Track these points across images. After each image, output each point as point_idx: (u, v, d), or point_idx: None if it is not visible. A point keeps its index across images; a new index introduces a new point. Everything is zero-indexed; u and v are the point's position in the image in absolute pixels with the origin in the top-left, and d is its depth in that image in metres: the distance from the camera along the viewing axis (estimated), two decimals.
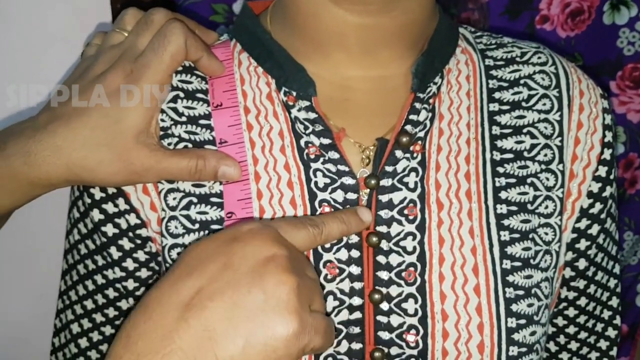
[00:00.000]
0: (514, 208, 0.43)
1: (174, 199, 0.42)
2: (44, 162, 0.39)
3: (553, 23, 0.72)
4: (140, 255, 0.44)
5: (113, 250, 0.44)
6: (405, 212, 0.42)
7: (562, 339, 0.52)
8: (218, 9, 0.67)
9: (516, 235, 0.43)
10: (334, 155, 0.41)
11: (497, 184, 0.43)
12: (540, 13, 0.72)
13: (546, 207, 0.44)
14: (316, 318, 0.35)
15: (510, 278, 0.42)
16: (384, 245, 0.41)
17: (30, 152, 0.39)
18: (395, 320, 0.41)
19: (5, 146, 0.40)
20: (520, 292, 0.42)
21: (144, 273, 0.44)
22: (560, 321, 0.51)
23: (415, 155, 0.42)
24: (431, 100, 0.44)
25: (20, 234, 0.63)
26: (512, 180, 0.43)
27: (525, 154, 0.44)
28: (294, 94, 0.42)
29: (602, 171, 0.46)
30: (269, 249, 0.34)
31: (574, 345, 0.52)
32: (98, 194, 0.43)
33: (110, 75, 0.40)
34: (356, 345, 0.41)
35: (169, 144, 0.42)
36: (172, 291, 0.34)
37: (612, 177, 0.47)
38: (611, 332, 0.52)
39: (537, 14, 0.72)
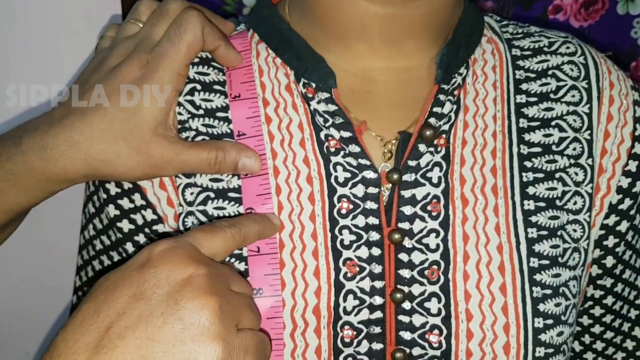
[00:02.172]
0: (542, 204, 0.42)
1: (192, 194, 0.41)
2: (60, 157, 0.38)
3: (566, 13, 0.71)
4: None
5: (129, 246, 0.43)
6: (429, 208, 0.40)
7: (587, 339, 0.50)
8: (228, 0, 0.66)
9: (544, 233, 0.41)
10: (354, 148, 0.40)
11: (525, 179, 0.42)
12: (553, 3, 0.71)
13: (575, 203, 0.42)
14: (244, 337, 0.32)
15: (537, 277, 0.40)
16: (407, 242, 0.40)
17: (46, 146, 0.38)
18: (417, 320, 0.40)
19: (21, 141, 0.39)
20: (548, 291, 0.40)
21: None
22: (585, 320, 0.50)
23: (439, 149, 0.41)
24: (456, 92, 0.42)
25: (33, 230, 0.63)
26: (540, 175, 0.42)
27: (554, 147, 0.43)
28: (314, 85, 0.41)
29: (633, 166, 0.45)
30: (183, 271, 0.32)
31: (599, 345, 0.51)
32: (114, 189, 0.42)
33: (126, 67, 0.39)
34: (377, 346, 0.40)
35: (187, 137, 0.41)
36: (80, 332, 0.31)
37: None
38: (638, 332, 0.51)
39: (550, 4, 0.71)
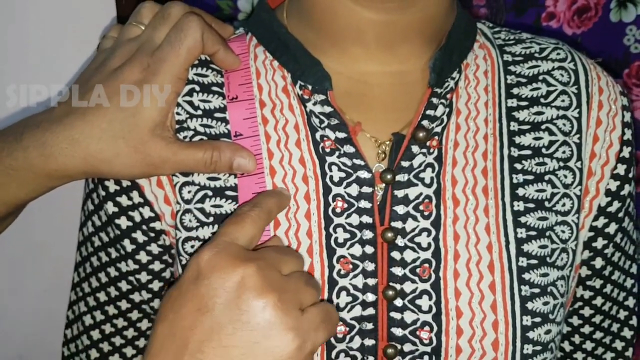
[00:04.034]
0: (531, 205, 0.43)
1: (189, 192, 0.42)
2: (60, 154, 0.39)
3: (560, 20, 0.72)
4: (154, 248, 0.44)
5: (127, 242, 0.44)
6: (421, 208, 0.41)
7: (577, 339, 0.51)
8: (223, 5, 0.67)
9: (533, 233, 0.42)
10: (349, 149, 0.41)
11: (515, 181, 0.43)
12: (547, 10, 0.71)
13: (564, 204, 0.43)
14: (310, 317, 0.34)
15: (526, 276, 0.41)
16: (399, 241, 0.41)
17: (46, 144, 0.39)
18: (409, 316, 0.40)
19: (22, 138, 0.40)
20: (536, 290, 0.41)
21: (157, 266, 0.44)
22: (575, 320, 0.51)
23: (431, 150, 0.42)
24: (449, 96, 0.43)
25: (26, 230, 0.63)
26: (530, 177, 0.43)
27: (544, 150, 0.44)
28: (310, 87, 0.42)
29: (621, 169, 0.46)
30: (234, 274, 0.33)
31: (589, 345, 0.51)
32: (112, 187, 0.43)
33: (128, 69, 0.40)
34: (369, 342, 0.41)
35: (185, 137, 0.42)
36: (163, 354, 0.33)
37: (630, 175, 0.47)
38: (627, 333, 0.52)
39: (543, 11, 0.72)
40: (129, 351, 0.48)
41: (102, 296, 0.46)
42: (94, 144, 0.39)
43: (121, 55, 0.41)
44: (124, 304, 0.46)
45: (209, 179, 0.42)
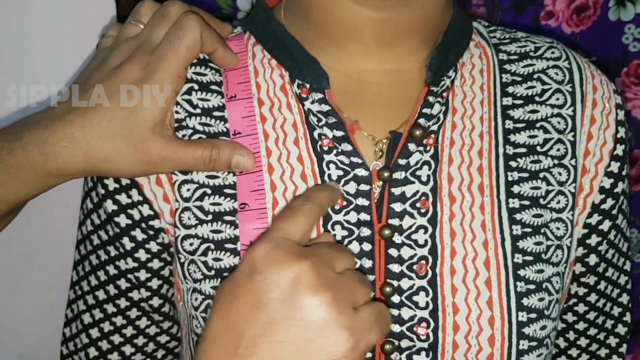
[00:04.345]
0: (526, 202, 0.43)
1: (188, 190, 0.42)
2: (60, 153, 0.39)
3: (558, 19, 0.72)
4: (153, 246, 0.44)
5: (126, 240, 0.44)
6: (418, 205, 0.42)
7: (571, 335, 0.52)
8: (222, 4, 0.67)
9: (528, 230, 0.43)
10: (347, 147, 0.42)
11: (510, 178, 0.43)
12: (546, 9, 0.72)
13: (558, 202, 0.44)
14: (364, 316, 0.34)
15: (521, 272, 0.42)
16: (396, 238, 0.41)
17: (47, 142, 0.39)
18: (406, 313, 0.41)
19: (22, 136, 0.40)
20: (531, 287, 0.42)
21: (155, 264, 0.45)
22: (570, 317, 0.51)
23: (428, 148, 0.42)
24: (445, 94, 0.44)
25: (28, 227, 0.63)
26: (525, 175, 0.44)
27: (538, 148, 0.44)
28: (307, 86, 0.43)
29: (614, 167, 0.46)
30: (289, 271, 0.33)
31: (583, 342, 0.52)
32: (112, 185, 0.43)
33: (127, 68, 0.40)
34: None
35: (184, 135, 0.42)
36: (218, 344, 0.34)
37: (624, 173, 0.47)
38: (621, 329, 0.52)
39: (542, 10, 0.72)
40: (127, 349, 0.48)
41: (101, 294, 0.46)
42: (94, 142, 0.39)
43: (120, 54, 0.41)
44: (123, 302, 0.46)
45: (207, 177, 0.42)
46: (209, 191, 0.42)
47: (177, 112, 0.43)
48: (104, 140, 0.39)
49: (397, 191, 0.42)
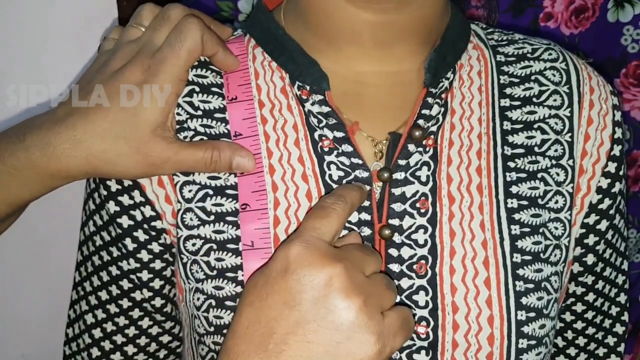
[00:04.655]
0: (524, 202, 0.43)
1: (190, 191, 0.43)
2: (63, 155, 0.40)
3: (557, 20, 0.72)
4: (155, 247, 0.44)
5: (128, 241, 0.44)
6: (417, 205, 0.42)
7: (569, 335, 0.52)
8: (223, 7, 0.68)
9: (526, 229, 0.43)
10: (347, 148, 0.42)
11: (508, 179, 0.44)
12: (544, 10, 0.72)
13: (556, 201, 0.44)
14: (390, 322, 0.35)
15: (520, 271, 0.42)
16: (396, 238, 0.42)
17: (49, 144, 0.40)
18: None
19: (24, 138, 0.40)
20: (530, 286, 0.42)
21: (158, 264, 0.45)
22: (568, 316, 0.51)
23: (427, 149, 0.43)
24: (443, 95, 0.44)
25: (31, 228, 0.64)
26: (523, 175, 0.44)
27: (536, 149, 0.45)
28: (308, 88, 0.43)
29: (612, 167, 0.47)
30: (323, 273, 0.34)
31: (581, 341, 0.52)
32: (114, 186, 0.44)
33: (129, 71, 0.40)
34: None
35: (185, 137, 0.43)
36: (249, 338, 0.34)
37: (621, 173, 0.48)
38: (619, 328, 0.53)
39: (541, 11, 0.72)
40: (130, 349, 0.48)
41: (103, 295, 0.47)
42: (96, 144, 0.40)
43: (122, 56, 0.42)
44: (125, 303, 0.46)
45: (209, 178, 0.43)
46: (210, 192, 0.42)
47: (178, 114, 0.43)
48: (106, 142, 0.40)
49: (397, 191, 0.42)
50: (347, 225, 0.41)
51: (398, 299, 0.41)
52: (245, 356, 0.34)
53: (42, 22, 0.65)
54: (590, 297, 0.51)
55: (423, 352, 0.41)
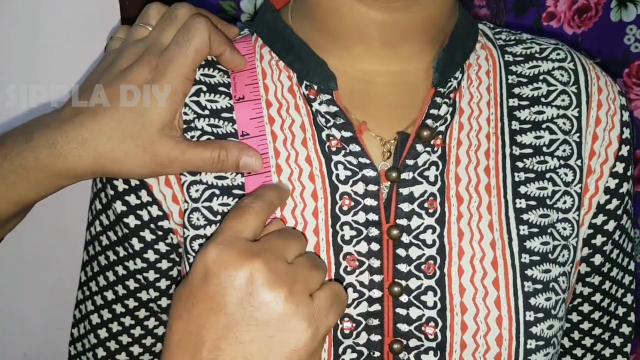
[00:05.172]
0: (532, 203, 0.43)
1: (197, 190, 0.42)
2: (70, 154, 0.39)
3: (560, 20, 0.72)
4: (161, 247, 0.44)
5: (135, 241, 0.44)
6: (426, 205, 0.42)
7: (576, 335, 0.52)
8: (226, 7, 0.68)
9: (535, 230, 0.43)
10: (355, 148, 0.42)
11: (517, 179, 0.44)
12: (547, 10, 0.72)
13: (564, 202, 0.44)
14: (320, 302, 0.35)
15: (528, 272, 0.42)
16: (404, 238, 0.41)
17: (56, 143, 0.39)
18: (414, 312, 0.41)
19: (32, 137, 0.40)
20: (539, 286, 0.42)
21: (164, 264, 0.45)
22: (574, 317, 0.51)
23: (435, 149, 0.43)
24: (452, 95, 0.44)
25: (36, 227, 0.63)
26: (531, 175, 0.44)
27: (544, 149, 0.44)
28: (315, 87, 0.43)
29: (619, 167, 0.47)
30: (242, 271, 0.34)
31: (588, 342, 0.52)
32: (121, 186, 0.43)
33: (136, 70, 0.40)
34: (375, 337, 0.41)
35: (192, 137, 0.42)
36: (182, 351, 0.34)
37: (629, 173, 0.47)
38: (625, 329, 0.53)
39: (543, 11, 0.72)
40: (135, 349, 0.48)
41: (109, 295, 0.47)
42: (103, 143, 0.39)
43: (129, 56, 0.42)
44: (131, 303, 0.46)
45: (216, 177, 0.42)
46: (217, 192, 0.42)
47: (185, 114, 0.43)
48: (113, 141, 0.39)
49: (405, 191, 0.42)
50: (354, 225, 0.41)
51: (406, 299, 0.41)
52: None
53: (43, 22, 0.64)
54: (597, 297, 0.50)
55: (431, 352, 0.41)
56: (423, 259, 0.41)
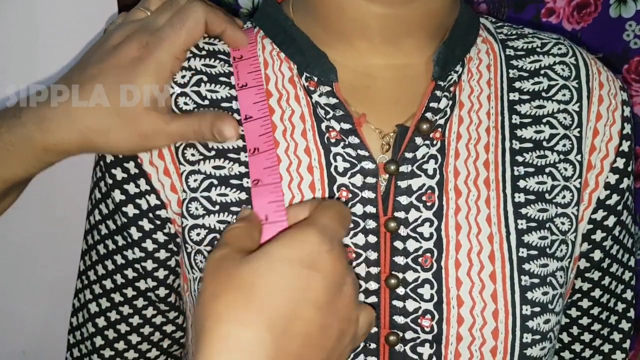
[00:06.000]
0: (531, 197, 0.43)
1: (195, 180, 0.42)
2: (57, 128, 0.40)
3: (559, 16, 0.72)
4: (160, 237, 0.44)
5: (133, 230, 0.44)
6: (424, 198, 0.42)
7: (575, 330, 0.52)
8: (225, 3, 0.68)
9: (533, 224, 0.43)
10: (354, 140, 0.42)
11: (516, 173, 0.43)
12: (546, 6, 0.71)
13: (563, 197, 0.44)
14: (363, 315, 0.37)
15: (526, 266, 0.42)
16: (402, 231, 0.41)
17: (45, 118, 0.40)
18: (410, 305, 0.41)
19: (21, 114, 0.41)
20: (536, 280, 0.42)
21: (162, 254, 0.45)
22: (573, 312, 0.51)
23: (434, 142, 0.43)
24: (452, 88, 0.44)
25: (32, 223, 0.64)
26: (531, 170, 0.44)
27: (545, 143, 0.44)
28: (315, 79, 0.43)
29: (620, 163, 0.46)
30: (341, 281, 0.34)
31: (587, 337, 0.52)
32: (120, 175, 0.44)
33: (126, 46, 0.41)
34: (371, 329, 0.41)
35: None
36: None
37: (629, 169, 0.47)
38: (624, 325, 0.53)
39: (543, 7, 0.72)
40: (134, 338, 0.48)
41: (108, 283, 0.47)
42: (88, 116, 0.40)
43: (122, 33, 0.42)
44: (129, 292, 0.46)
45: (214, 167, 0.43)
46: (215, 182, 0.42)
47: (186, 104, 0.43)
48: (99, 115, 0.40)
49: (403, 184, 0.42)
50: (352, 217, 0.41)
51: (403, 291, 0.41)
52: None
53: (42, 22, 0.65)
54: (597, 293, 0.50)
55: (427, 345, 0.41)
56: (420, 252, 0.41)
